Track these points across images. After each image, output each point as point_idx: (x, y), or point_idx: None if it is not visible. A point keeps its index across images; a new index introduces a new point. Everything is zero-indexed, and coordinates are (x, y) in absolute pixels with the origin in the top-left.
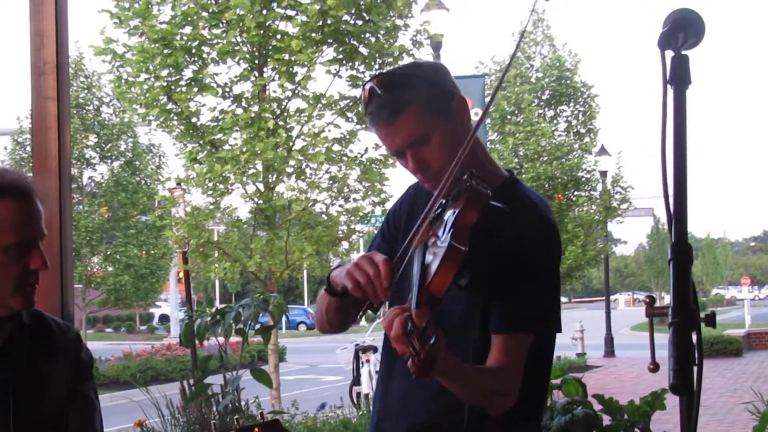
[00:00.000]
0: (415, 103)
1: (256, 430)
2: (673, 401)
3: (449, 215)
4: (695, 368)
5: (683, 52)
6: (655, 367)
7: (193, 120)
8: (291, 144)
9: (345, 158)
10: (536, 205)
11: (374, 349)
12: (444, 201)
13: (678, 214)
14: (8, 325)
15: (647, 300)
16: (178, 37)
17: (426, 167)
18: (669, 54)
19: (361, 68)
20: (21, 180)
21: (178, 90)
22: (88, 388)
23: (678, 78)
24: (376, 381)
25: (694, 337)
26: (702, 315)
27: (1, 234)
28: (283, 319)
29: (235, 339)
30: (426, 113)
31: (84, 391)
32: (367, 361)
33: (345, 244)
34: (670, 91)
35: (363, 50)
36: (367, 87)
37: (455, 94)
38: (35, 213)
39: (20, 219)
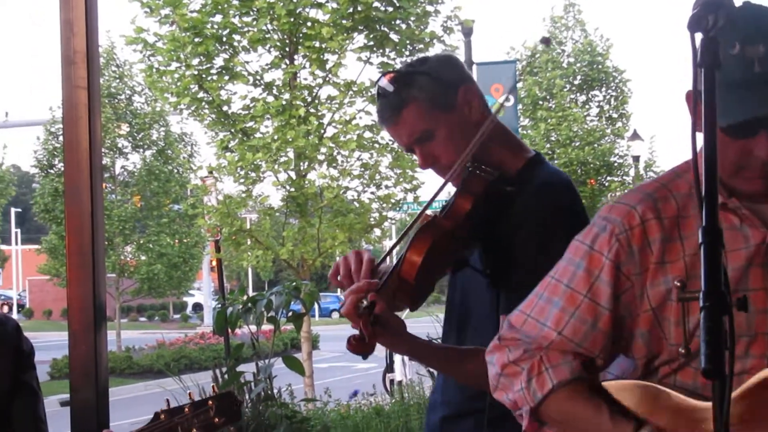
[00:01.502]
0: (415, 101)
1: (210, 402)
2: None
3: (451, 200)
4: (727, 352)
5: (712, 35)
6: (686, 352)
7: (225, 108)
8: (322, 131)
9: (376, 145)
10: (541, 186)
11: None
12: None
13: (709, 198)
14: None
15: (678, 284)
16: (208, 26)
17: (434, 162)
18: (699, 37)
19: (392, 55)
20: None
21: (209, 78)
22: (30, 378)
23: (708, 61)
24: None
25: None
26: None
27: None
28: (316, 306)
29: (268, 327)
30: (427, 109)
31: (26, 381)
32: None
33: (377, 231)
34: (701, 74)
35: (394, 37)
36: (377, 85)
37: (461, 85)
38: None
39: None
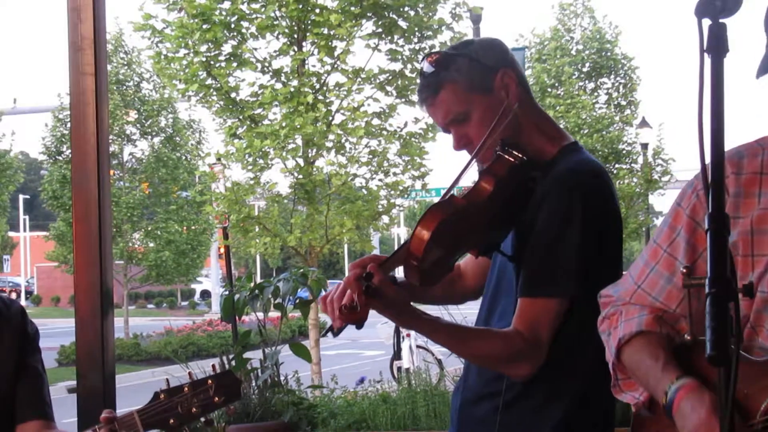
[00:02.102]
0: (453, 82)
1: (210, 381)
2: None
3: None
4: (733, 339)
5: (721, 20)
6: (692, 338)
7: (233, 95)
8: (330, 118)
9: (384, 132)
10: (565, 172)
11: None
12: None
13: (715, 184)
14: None
15: (685, 271)
16: (217, 12)
17: (468, 143)
18: (706, 22)
19: (401, 42)
20: None
21: (217, 65)
22: (35, 361)
23: (715, 46)
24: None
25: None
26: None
27: None
28: (323, 293)
29: (275, 314)
30: (464, 91)
31: (31, 364)
32: (408, 335)
33: (385, 219)
34: (708, 60)
35: (402, 24)
36: (419, 65)
37: (499, 68)
38: None
39: None
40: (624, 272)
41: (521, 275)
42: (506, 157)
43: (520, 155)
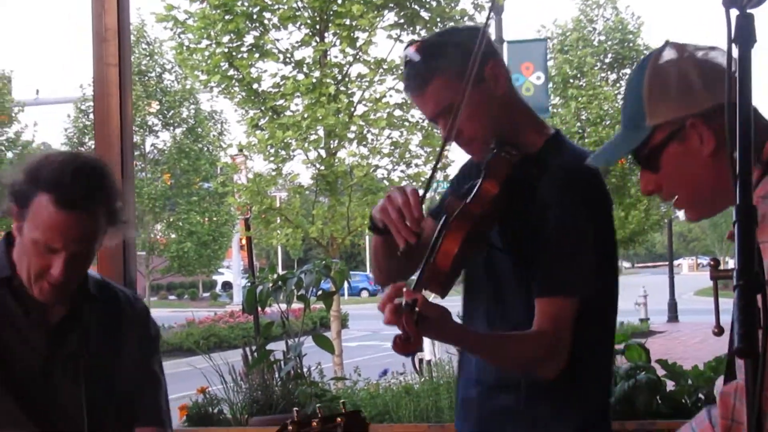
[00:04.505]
0: (444, 72)
1: (339, 419)
2: None
3: (477, 185)
4: (761, 332)
5: (748, 11)
6: (719, 331)
7: (255, 86)
8: (352, 109)
9: (406, 123)
10: (567, 167)
11: None
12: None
13: (743, 176)
14: (73, 294)
15: (712, 263)
16: (239, 3)
17: (458, 135)
18: (734, 13)
19: (423, 32)
20: (78, 187)
21: (239, 56)
22: (155, 364)
23: (743, 37)
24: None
25: (760, 300)
26: None
27: (33, 225)
28: (345, 285)
29: (297, 305)
30: (455, 81)
31: (152, 367)
32: None
33: None
34: (735, 51)
35: (424, 14)
36: (404, 53)
37: (488, 59)
38: (70, 227)
39: (51, 225)
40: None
41: (539, 275)
42: (506, 156)
43: (515, 153)
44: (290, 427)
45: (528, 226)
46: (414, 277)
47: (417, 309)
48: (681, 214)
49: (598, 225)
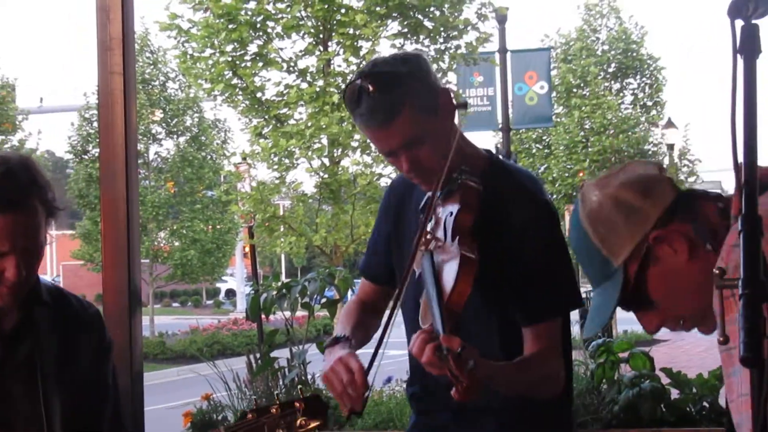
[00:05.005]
0: (408, 105)
1: (298, 404)
2: None
3: (446, 216)
4: (766, 341)
5: (754, 21)
6: (724, 339)
7: (258, 95)
8: None
9: None
10: (525, 186)
11: None
12: (437, 195)
13: (748, 186)
14: (26, 300)
15: (717, 271)
16: (242, 12)
17: (419, 167)
18: (739, 23)
19: (426, 42)
20: (11, 187)
21: (243, 65)
22: (107, 373)
23: (748, 48)
24: (409, 366)
25: (766, 310)
26: None
27: None
28: (349, 293)
29: (301, 313)
30: (419, 114)
31: (105, 374)
32: None
33: None
34: (740, 62)
35: (428, 24)
36: (355, 86)
37: (440, 89)
38: (13, 228)
39: None
40: None
41: (524, 304)
42: (472, 185)
43: (478, 180)
44: (249, 416)
45: (498, 254)
46: (437, 322)
47: (469, 357)
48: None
49: (562, 240)
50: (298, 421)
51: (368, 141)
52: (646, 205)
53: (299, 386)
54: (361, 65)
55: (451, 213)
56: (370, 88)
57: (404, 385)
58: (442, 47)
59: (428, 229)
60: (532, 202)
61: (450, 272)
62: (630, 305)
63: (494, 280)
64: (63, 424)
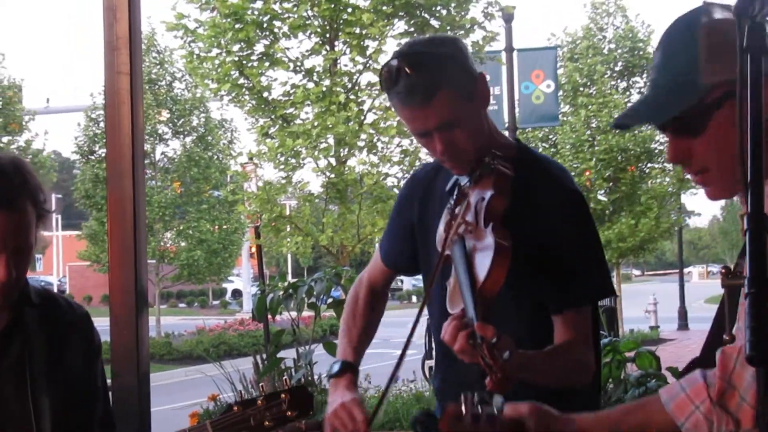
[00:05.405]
0: (447, 86)
1: (284, 395)
2: None
3: (477, 200)
4: None
5: (759, 20)
6: (731, 338)
7: (265, 95)
8: (362, 118)
9: None
10: (555, 175)
11: None
12: (466, 181)
13: (754, 184)
14: (15, 302)
15: (723, 271)
16: (249, 12)
17: (453, 149)
18: (746, 22)
19: None
20: (2, 187)
21: (249, 65)
22: (97, 373)
23: (755, 46)
24: (435, 353)
25: None
26: None
27: None
28: None
29: (307, 313)
30: (457, 96)
31: (93, 376)
32: None
33: None
34: (747, 60)
35: (434, 23)
36: (393, 65)
37: (477, 74)
38: (3, 227)
39: None
40: None
41: (557, 291)
42: (504, 170)
43: (508, 165)
44: (235, 408)
45: (528, 242)
46: (470, 309)
47: (504, 349)
48: (691, 221)
49: (594, 229)
50: (288, 413)
51: (374, 140)
52: None
53: (307, 386)
54: (368, 64)
55: (483, 198)
56: (408, 69)
57: (411, 385)
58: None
59: (457, 212)
60: (562, 190)
61: (484, 259)
62: (676, 123)
63: (524, 268)
64: (53, 424)
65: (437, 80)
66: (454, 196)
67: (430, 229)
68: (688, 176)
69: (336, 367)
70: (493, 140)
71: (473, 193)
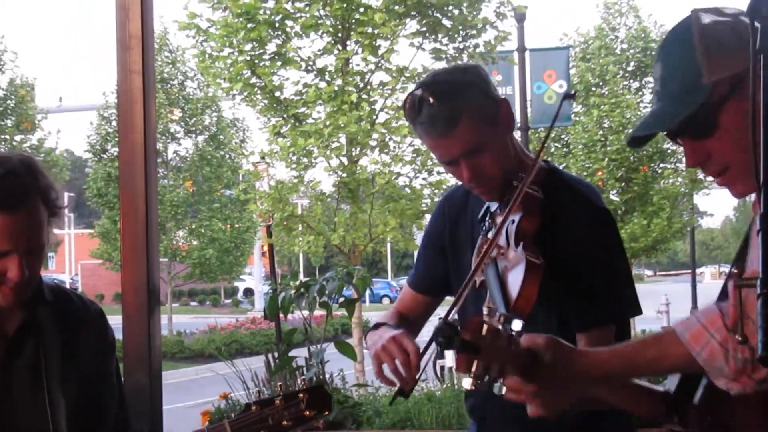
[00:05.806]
0: (469, 114)
1: (301, 395)
2: None
3: (507, 223)
4: None
5: None
6: (743, 339)
7: (277, 94)
8: (374, 117)
9: None
10: (583, 194)
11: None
12: (496, 207)
13: (767, 184)
14: (29, 300)
15: (736, 271)
16: (261, 11)
17: (480, 175)
18: (758, 23)
19: (444, 41)
20: (13, 187)
21: (261, 64)
22: (112, 370)
23: None
24: None
25: None
26: None
27: None
28: (367, 292)
29: (319, 312)
30: (480, 123)
31: (108, 373)
32: None
33: (428, 218)
34: (761, 60)
35: (446, 23)
36: (416, 95)
37: (500, 99)
38: (15, 227)
39: None
40: None
41: (581, 310)
42: (533, 193)
43: (538, 189)
44: (254, 408)
45: (556, 261)
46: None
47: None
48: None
49: (621, 249)
50: (307, 412)
51: (386, 140)
52: None
53: None
54: (380, 64)
55: (513, 221)
56: (431, 99)
57: (422, 385)
58: (461, 46)
59: (489, 236)
60: (590, 209)
61: (516, 278)
62: (688, 127)
63: (552, 285)
64: (68, 422)
65: (459, 108)
66: (486, 224)
67: (460, 253)
68: (701, 176)
69: (372, 325)
70: (521, 164)
71: (502, 217)
